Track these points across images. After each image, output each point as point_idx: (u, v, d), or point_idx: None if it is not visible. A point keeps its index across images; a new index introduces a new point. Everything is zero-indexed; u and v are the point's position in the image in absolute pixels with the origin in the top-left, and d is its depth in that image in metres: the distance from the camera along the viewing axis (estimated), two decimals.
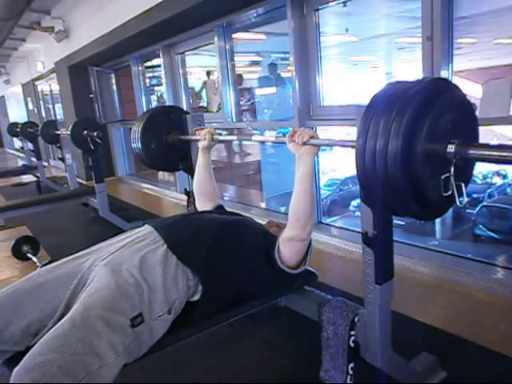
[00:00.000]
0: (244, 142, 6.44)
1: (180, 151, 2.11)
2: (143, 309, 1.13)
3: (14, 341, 1.10)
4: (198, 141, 1.85)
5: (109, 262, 1.22)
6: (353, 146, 0.99)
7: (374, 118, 0.90)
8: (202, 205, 1.78)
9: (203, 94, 5.44)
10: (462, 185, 0.95)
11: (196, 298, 1.27)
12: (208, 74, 5.54)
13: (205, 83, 5.45)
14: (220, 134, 1.88)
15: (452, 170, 0.92)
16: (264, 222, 1.63)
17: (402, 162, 0.86)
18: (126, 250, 1.26)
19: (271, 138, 1.54)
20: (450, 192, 0.94)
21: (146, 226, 1.39)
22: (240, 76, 4.97)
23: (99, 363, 0.98)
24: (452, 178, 0.93)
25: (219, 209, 1.76)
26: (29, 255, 2.93)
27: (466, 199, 0.97)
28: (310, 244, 1.41)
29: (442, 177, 0.93)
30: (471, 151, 0.91)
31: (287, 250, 1.35)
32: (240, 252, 1.36)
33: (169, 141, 2.08)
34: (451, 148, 0.91)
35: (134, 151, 2.12)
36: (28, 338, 1.11)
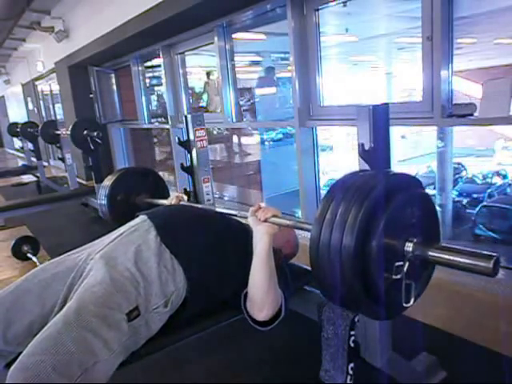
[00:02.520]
0: (244, 142, 6.44)
1: None
2: (139, 302, 1.12)
3: (18, 341, 1.10)
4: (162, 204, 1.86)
5: (103, 254, 1.22)
6: (309, 230, 0.95)
7: (331, 206, 0.87)
8: None
9: (204, 96, 5.44)
10: (413, 284, 0.90)
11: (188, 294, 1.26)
12: (208, 74, 5.54)
13: (207, 84, 5.45)
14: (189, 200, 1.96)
15: (405, 268, 0.88)
16: None
17: (356, 258, 0.82)
18: (120, 242, 1.26)
19: (234, 211, 1.55)
20: (399, 276, 0.88)
21: (140, 215, 1.39)
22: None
23: (94, 360, 0.98)
24: (404, 279, 0.88)
25: None
26: (29, 255, 2.94)
27: (411, 301, 0.92)
28: (280, 311, 1.27)
29: (396, 264, 0.88)
30: (430, 252, 0.88)
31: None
32: (236, 252, 1.35)
33: (136, 202, 2.11)
34: (409, 247, 0.88)
35: (99, 208, 2.14)
36: (31, 338, 1.11)
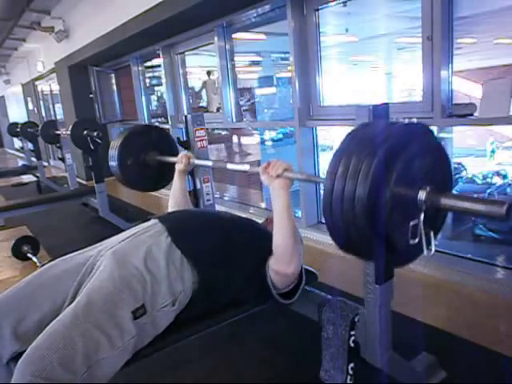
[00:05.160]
0: (244, 142, 6.44)
1: (159, 171, 2.10)
2: (146, 300, 1.13)
3: (28, 336, 1.10)
4: (174, 163, 1.86)
5: (114, 252, 1.23)
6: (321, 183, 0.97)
7: (344, 158, 0.87)
8: None
9: (203, 93, 5.45)
10: (431, 233, 0.90)
11: (199, 293, 1.27)
12: (208, 73, 5.55)
13: (205, 83, 5.45)
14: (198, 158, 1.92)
15: (422, 217, 0.88)
16: (261, 221, 1.63)
17: (370, 207, 0.82)
18: (132, 241, 1.28)
19: (246, 167, 1.55)
20: (417, 240, 0.89)
21: (152, 219, 1.40)
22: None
23: (99, 356, 1.00)
24: (421, 226, 0.88)
25: None
26: (29, 255, 2.94)
27: (433, 248, 0.92)
28: (301, 275, 1.36)
29: (411, 224, 0.88)
30: (442, 200, 0.88)
31: (274, 277, 1.32)
32: (243, 253, 1.35)
33: (147, 161, 2.08)
34: (422, 195, 0.88)
35: (111, 169, 2.11)
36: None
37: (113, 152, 2.03)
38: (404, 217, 0.88)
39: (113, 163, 2.05)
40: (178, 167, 1.83)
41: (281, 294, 1.35)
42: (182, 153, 1.86)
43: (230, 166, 1.76)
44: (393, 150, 0.84)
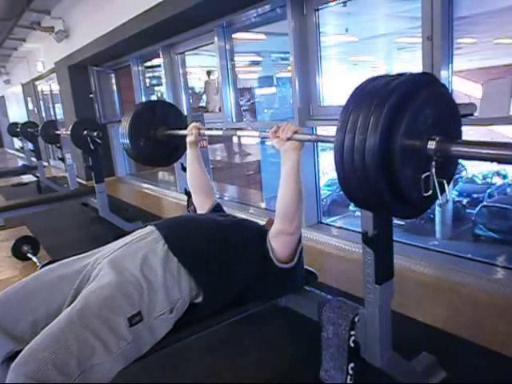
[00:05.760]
0: (244, 142, 6.45)
1: (170, 145, 2.08)
2: (142, 307, 1.13)
3: (24, 338, 1.10)
4: (185, 136, 1.84)
5: (111, 259, 1.23)
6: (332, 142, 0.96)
7: (352, 112, 0.88)
8: (200, 201, 1.78)
9: (204, 96, 5.45)
10: (444, 182, 0.91)
11: (199, 299, 1.27)
12: (208, 73, 5.55)
13: (207, 83, 5.45)
14: (208, 129, 1.91)
15: (433, 167, 0.89)
16: (263, 222, 1.63)
17: (380, 159, 0.83)
18: (128, 249, 1.27)
19: (255, 133, 1.58)
20: (430, 192, 0.90)
21: (148, 226, 1.39)
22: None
23: (94, 361, 1.00)
24: (433, 176, 0.89)
25: (217, 208, 1.75)
26: (29, 255, 2.93)
27: (448, 196, 0.95)
28: (300, 239, 1.39)
29: (423, 176, 0.89)
30: (453, 148, 0.88)
31: (277, 244, 1.35)
32: (242, 255, 1.35)
33: (157, 136, 2.05)
34: (431, 144, 0.88)
35: (123, 147, 2.09)
36: (35, 336, 1.12)
37: (123, 130, 2.02)
38: (415, 168, 0.89)
39: (124, 140, 2.04)
40: (189, 139, 1.81)
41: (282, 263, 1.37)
42: (192, 124, 1.84)
43: (239, 132, 1.85)
44: (400, 102, 0.84)
